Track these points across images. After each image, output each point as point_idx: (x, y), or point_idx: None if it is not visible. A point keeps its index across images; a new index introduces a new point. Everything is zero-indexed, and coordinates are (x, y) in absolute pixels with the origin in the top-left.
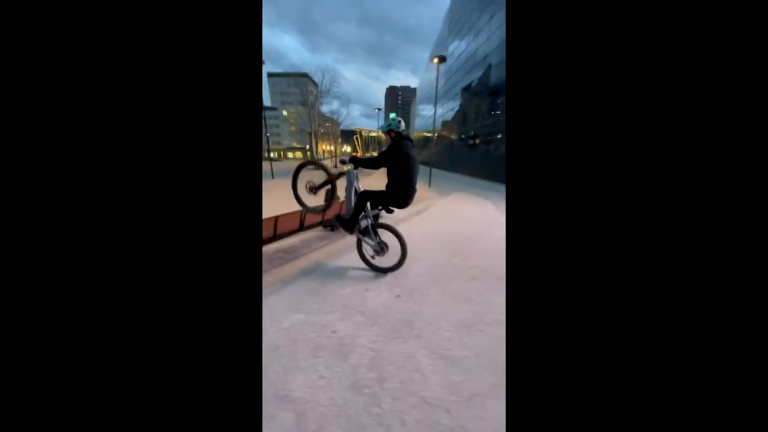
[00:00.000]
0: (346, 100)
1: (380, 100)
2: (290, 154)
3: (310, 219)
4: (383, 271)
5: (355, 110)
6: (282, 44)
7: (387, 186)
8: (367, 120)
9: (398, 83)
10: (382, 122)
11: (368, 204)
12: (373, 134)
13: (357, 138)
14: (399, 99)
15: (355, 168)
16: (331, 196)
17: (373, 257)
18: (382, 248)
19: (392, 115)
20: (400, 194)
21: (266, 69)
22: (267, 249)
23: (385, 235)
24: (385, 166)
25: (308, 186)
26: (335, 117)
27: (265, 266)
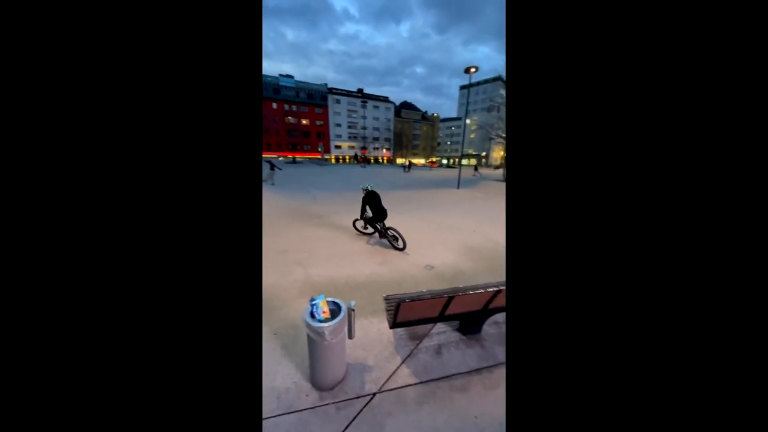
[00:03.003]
0: None
1: None
2: (465, 161)
3: None
4: (399, 249)
5: None
6: (476, 57)
7: (371, 211)
8: None
9: None
10: None
11: (375, 223)
12: None
13: None
14: None
15: (366, 220)
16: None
17: (395, 246)
18: (391, 238)
19: (364, 186)
20: (378, 214)
21: (458, 84)
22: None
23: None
24: (368, 205)
25: (360, 225)
26: None
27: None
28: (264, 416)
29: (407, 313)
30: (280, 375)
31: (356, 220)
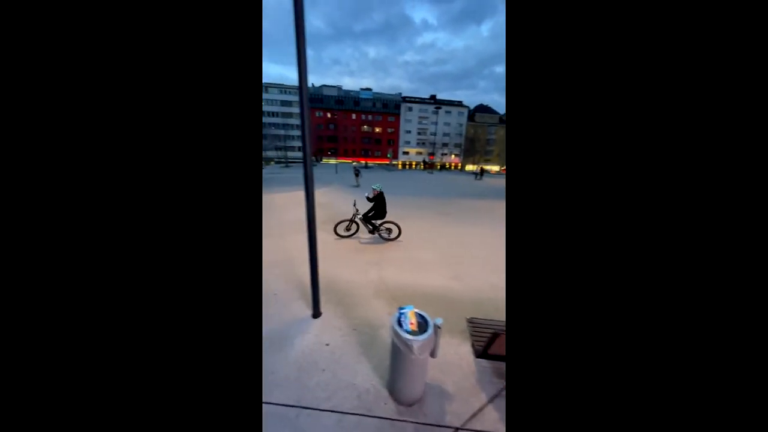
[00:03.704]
0: None
1: None
2: None
3: None
4: (392, 240)
5: None
6: None
7: (375, 210)
8: None
9: None
10: None
11: (372, 221)
12: None
13: None
14: None
15: (365, 218)
16: (352, 228)
17: (387, 238)
18: (384, 231)
19: (375, 186)
20: (381, 212)
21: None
22: None
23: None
24: (376, 206)
25: (342, 228)
26: None
27: None
28: (346, 411)
29: (502, 347)
30: (360, 374)
31: (339, 223)
